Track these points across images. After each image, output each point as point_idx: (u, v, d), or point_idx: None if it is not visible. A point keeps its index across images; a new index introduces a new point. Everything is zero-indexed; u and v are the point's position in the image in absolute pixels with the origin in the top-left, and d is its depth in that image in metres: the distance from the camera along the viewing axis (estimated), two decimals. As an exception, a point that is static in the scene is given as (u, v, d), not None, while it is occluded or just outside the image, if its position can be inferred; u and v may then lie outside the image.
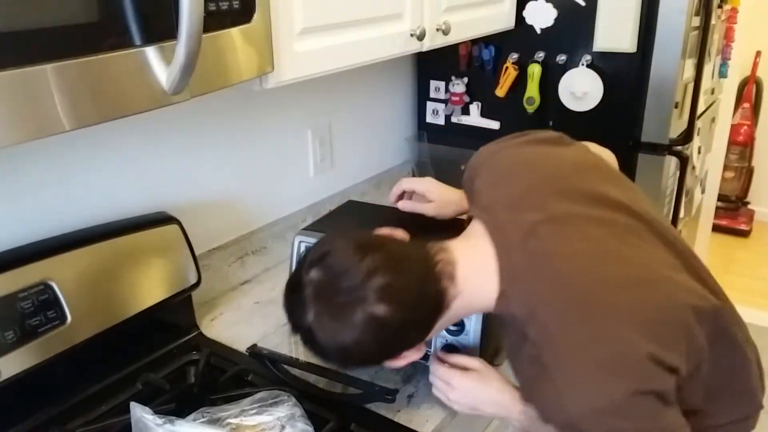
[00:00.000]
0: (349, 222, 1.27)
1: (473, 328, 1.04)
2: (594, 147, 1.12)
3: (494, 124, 1.80)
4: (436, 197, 1.19)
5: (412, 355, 0.88)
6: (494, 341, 1.14)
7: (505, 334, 0.90)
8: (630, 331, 0.77)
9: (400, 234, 0.93)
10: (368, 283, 0.78)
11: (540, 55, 1.64)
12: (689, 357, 0.81)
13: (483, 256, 0.85)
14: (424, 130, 1.93)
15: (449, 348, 1.06)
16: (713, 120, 2.32)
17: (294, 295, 0.83)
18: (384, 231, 0.93)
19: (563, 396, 0.76)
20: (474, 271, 0.85)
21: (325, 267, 0.81)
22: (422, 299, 0.82)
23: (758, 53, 3.62)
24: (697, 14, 1.57)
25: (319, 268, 0.81)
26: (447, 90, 1.85)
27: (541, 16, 1.63)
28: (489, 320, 1.04)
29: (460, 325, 1.05)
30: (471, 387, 0.97)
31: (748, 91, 3.66)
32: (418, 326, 0.84)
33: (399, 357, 0.87)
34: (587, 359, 0.76)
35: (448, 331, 1.06)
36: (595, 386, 0.75)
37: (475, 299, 0.86)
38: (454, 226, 1.19)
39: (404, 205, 1.22)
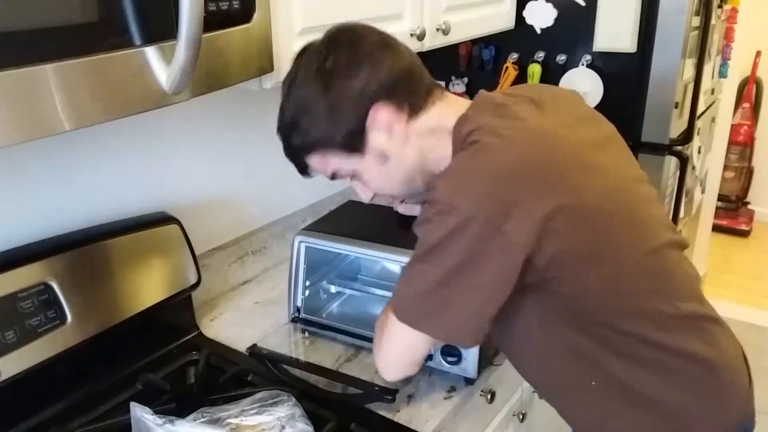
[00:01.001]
0: (350, 222, 1.27)
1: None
2: None
3: (494, 124, 1.80)
4: None
5: (343, 165, 0.88)
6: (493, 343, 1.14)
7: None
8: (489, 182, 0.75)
9: None
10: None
11: (540, 55, 1.64)
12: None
13: (460, 106, 0.88)
14: (424, 130, 1.93)
15: (449, 348, 1.06)
16: (713, 120, 2.33)
17: (299, 53, 0.88)
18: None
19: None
20: (451, 105, 0.89)
21: (332, 40, 0.86)
22: (412, 68, 0.87)
23: (758, 53, 3.62)
24: (697, 14, 1.58)
25: (329, 41, 0.86)
26: (447, 90, 1.84)
27: (541, 16, 1.63)
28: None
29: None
30: None
31: (748, 91, 3.66)
32: (390, 90, 0.83)
33: (325, 159, 0.88)
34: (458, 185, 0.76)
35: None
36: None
37: (436, 136, 0.86)
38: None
39: (405, 209, 1.23)
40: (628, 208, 0.82)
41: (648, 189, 0.90)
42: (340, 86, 0.82)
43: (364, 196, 0.93)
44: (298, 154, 0.91)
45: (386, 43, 0.86)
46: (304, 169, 0.93)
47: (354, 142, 0.84)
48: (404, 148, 0.86)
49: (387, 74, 0.83)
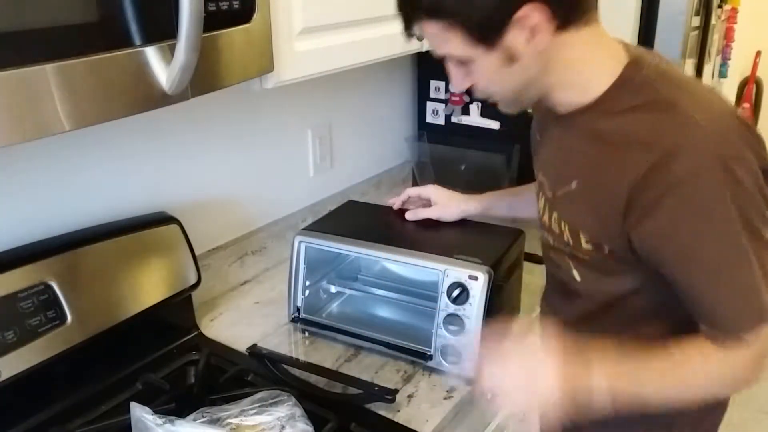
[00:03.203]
0: (350, 222, 1.27)
1: (473, 330, 1.04)
2: None
3: (494, 124, 1.80)
4: (441, 199, 1.21)
5: (459, 50, 0.78)
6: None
7: (573, 140, 0.86)
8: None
9: None
10: None
11: (540, 55, 1.64)
12: None
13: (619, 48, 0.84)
14: (424, 130, 1.93)
15: (449, 348, 1.06)
16: (713, 120, 2.32)
17: None
18: None
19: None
20: (608, 40, 0.84)
21: None
22: None
23: (758, 53, 3.62)
24: (697, 14, 1.58)
25: None
26: (447, 90, 1.85)
27: (541, 16, 1.62)
28: (488, 322, 1.04)
29: (460, 325, 1.05)
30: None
31: (748, 91, 3.66)
32: None
33: (449, 35, 0.77)
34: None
35: (448, 331, 1.06)
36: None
37: (589, 59, 0.82)
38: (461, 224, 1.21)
39: (410, 215, 1.24)
40: None
41: None
42: None
43: (458, 86, 0.84)
44: (418, 10, 0.78)
45: None
46: (410, 28, 0.80)
47: (491, 30, 0.74)
48: (537, 57, 0.77)
49: None
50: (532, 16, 0.73)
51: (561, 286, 0.96)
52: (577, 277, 0.90)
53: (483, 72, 0.80)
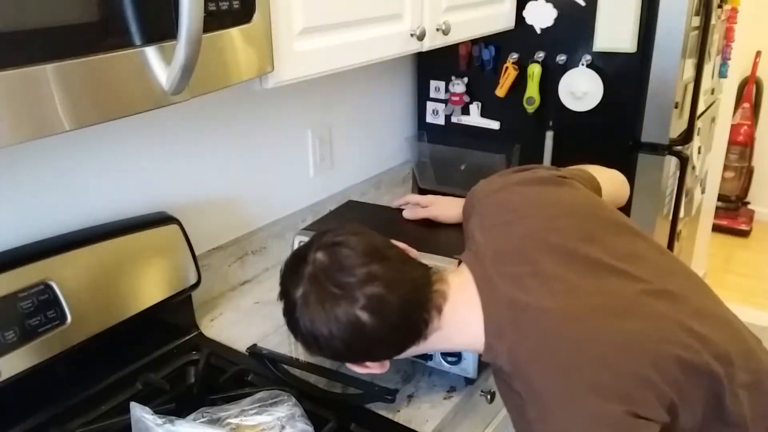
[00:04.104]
0: (349, 222, 1.27)
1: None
2: (599, 172, 1.10)
3: (494, 124, 1.80)
4: (441, 200, 1.24)
5: (375, 368, 0.91)
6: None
7: (496, 381, 0.90)
8: (597, 396, 0.74)
9: (413, 253, 0.95)
10: (364, 287, 0.81)
11: (540, 55, 1.64)
12: (667, 409, 0.76)
13: (470, 302, 0.86)
14: (424, 130, 1.93)
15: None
16: (713, 120, 2.32)
17: (294, 265, 0.87)
18: (400, 245, 0.94)
19: None
20: (461, 312, 0.86)
21: (332, 254, 0.84)
22: (405, 322, 0.83)
23: (758, 53, 3.62)
24: (697, 14, 1.57)
25: (326, 253, 0.84)
26: (447, 90, 1.85)
27: (541, 16, 1.63)
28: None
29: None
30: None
31: (748, 91, 3.66)
32: (391, 345, 0.86)
33: (362, 365, 0.90)
34: (576, 413, 0.74)
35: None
36: None
37: (454, 339, 0.88)
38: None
39: (408, 214, 1.25)
40: None
41: None
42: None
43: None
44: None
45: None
46: None
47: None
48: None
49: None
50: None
51: None
52: None
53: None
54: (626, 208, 1.45)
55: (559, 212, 0.93)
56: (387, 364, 0.92)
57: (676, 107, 1.59)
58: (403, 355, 0.90)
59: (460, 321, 0.86)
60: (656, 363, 0.76)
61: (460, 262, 0.94)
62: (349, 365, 0.92)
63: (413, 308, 0.84)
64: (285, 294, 0.87)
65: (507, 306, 0.83)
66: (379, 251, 0.85)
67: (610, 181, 1.12)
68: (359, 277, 0.81)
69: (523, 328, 0.81)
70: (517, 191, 0.98)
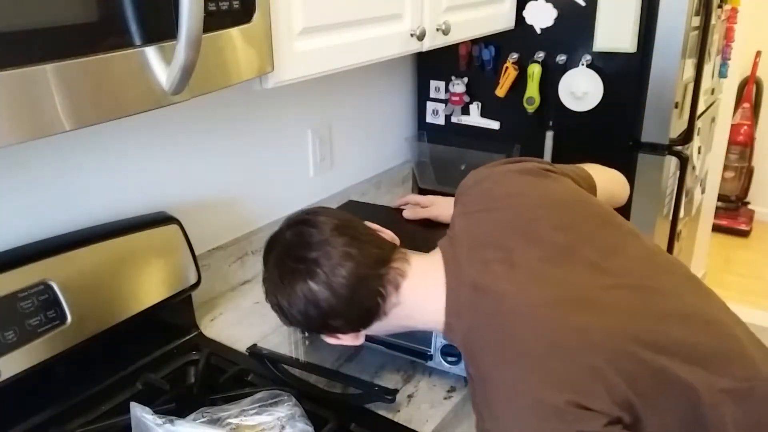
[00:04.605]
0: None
1: None
2: (598, 172, 1.10)
3: (494, 124, 1.81)
4: (441, 201, 1.25)
5: (347, 339, 0.94)
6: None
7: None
8: (542, 382, 0.75)
9: (389, 235, 0.98)
10: (321, 262, 0.85)
11: (540, 55, 1.64)
12: (619, 405, 0.75)
13: (433, 281, 0.88)
14: (424, 130, 1.93)
15: (449, 348, 1.06)
16: (713, 120, 2.32)
17: (268, 246, 0.93)
18: (373, 226, 0.97)
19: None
20: (421, 291, 0.89)
21: (298, 233, 0.89)
22: (356, 295, 0.86)
23: (758, 53, 3.62)
24: (697, 14, 1.57)
25: (294, 232, 0.90)
26: (447, 90, 1.85)
27: (541, 16, 1.63)
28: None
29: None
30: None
31: (748, 91, 3.66)
32: (350, 318, 0.89)
33: (333, 336, 0.93)
34: (517, 402, 0.76)
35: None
36: (527, 427, 0.75)
37: (415, 315, 0.90)
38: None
39: (408, 214, 1.25)
40: None
41: None
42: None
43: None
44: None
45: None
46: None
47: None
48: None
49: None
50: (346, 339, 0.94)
51: None
52: None
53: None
54: (626, 208, 1.45)
55: (541, 203, 0.94)
56: (361, 337, 0.94)
57: (676, 107, 1.59)
58: (370, 330, 0.93)
59: (420, 298, 0.89)
60: (611, 358, 0.76)
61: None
62: (323, 336, 0.95)
63: (364, 285, 0.87)
64: (263, 273, 0.93)
65: (470, 288, 0.85)
66: (344, 228, 0.89)
67: (610, 181, 1.12)
68: (316, 251, 0.86)
69: (481, 312, 0.83)
70: (501, 181, 0.99)
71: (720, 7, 1.89)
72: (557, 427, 0.73)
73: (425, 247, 1.10)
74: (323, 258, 0.86)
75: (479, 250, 0.88)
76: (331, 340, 0.94)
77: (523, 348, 0.78)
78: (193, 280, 1.20)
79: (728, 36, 2.11)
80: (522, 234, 0.89)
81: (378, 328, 0.92)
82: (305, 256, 0.86)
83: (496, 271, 0.85)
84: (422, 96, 1.91)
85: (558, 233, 0.88)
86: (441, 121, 1.90)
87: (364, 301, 0.87)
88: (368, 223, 0.96)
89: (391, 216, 1.29)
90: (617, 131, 1.61)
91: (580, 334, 0.78)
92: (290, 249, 0.89)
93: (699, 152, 2.04)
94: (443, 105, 1.88)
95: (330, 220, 0.90)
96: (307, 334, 1.18)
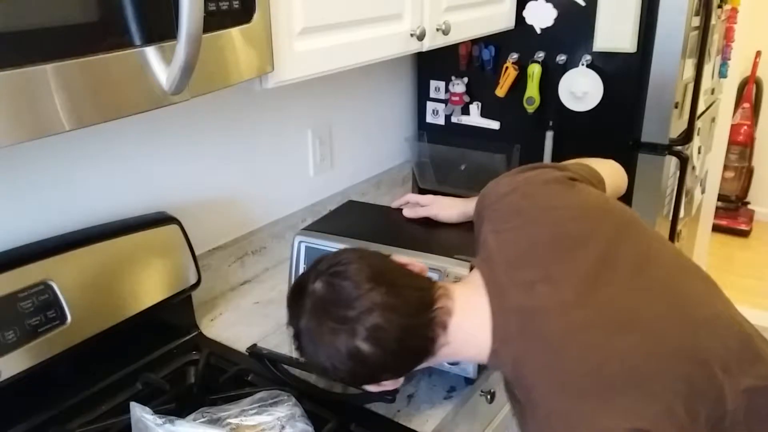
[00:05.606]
0: (349, 222, 1.27)
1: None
2: (599, 165, 1.10)
3: (494, 124, 1.80)
4: (440, 200, 1.24)
5: (388, 385, 0.90)
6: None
7: (504, 385, 0.89)
8: (602, 410, 0.73)
9: (418, 267, 0.92)
10: (363, 319, 0.80)
11: (540, 55, 1.64)
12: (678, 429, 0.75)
13: (478, 311, 0.85)
14: (424, 130, 1.93)
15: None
16: (713, 120, 2.33)
17: (296, 295, 0.86)
18: (403, 260, 0.92)
19: None
20: (468, 324, 0.85)
21: (330, 285, 0.83)
22: (406, 347, 0.83)
23: (758, 53, 3.62)
24: (697, 14, 1.57)
25: (325, 284, 0.83)
26: (447, 90, 1.85)
27: (541, 16, 1.63)
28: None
29: None
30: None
31: (748, 91, 3.67)
32: (397, 368, 0.86)
33: (375, 385, 0.90)
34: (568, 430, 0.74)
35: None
36: None
37: (463, 350, 0.87)
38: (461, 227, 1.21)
39: (408, 213, 1.25)
40: None
41: None
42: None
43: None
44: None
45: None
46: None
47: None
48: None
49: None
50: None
51: None
52: None
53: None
54: (626, 208, 1.45)
55: (572, 215, 0.92)
56: (401, 379, 0.91)
57: (676, 107, 1.59)
58: (413, 372, 0.90)
59: (468, 332, 0.85)
60: (666, 381, 0.75)
61: (472, 268, 0.93)
62: (365, 387, 0.92)
63: (413, 334, 0.83)
64: (291, 323, 0.87)
65: (516, 312, 0.82)
66: (379, 277, 0.84)
67: (612, 175, 1.12)
68: (358, 309, 0.81)
69: (530, 336, 0.80)
70: (528, 193, 0.97)
71: (720, 7, 1.89)
72: None
73: (425, 248, 1.10)
74: (365, 315, 0.80)
75: (518, 271, 0.86)
76: (373, 388, 0.91)
77: (574, 376, 0.76)
78: (193, 280, 1.20)
79: (728, 36, 2.11)
80: (557, 250, 0.87)
81: (419, 368, 0.89)
82: (345, 315, 0.81)
83: (539, 292, 0.82)
84: (422, 96, 1.91)
85: (591, 247, 0.87)
86: (441, 121, 1.90)
87: (414, 350, 0.84)
88: (396, 257, 0.92)
89: (391, 216, 1.29)
90: (617, 131, 1.61)
91: (631, 358, 0.77)
92: (326, 306, 0.82)
93: (699, 152, 2.04)
94: (443, 105, 1.88)
95: (362, 268, 0.84)
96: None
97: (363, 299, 0.81)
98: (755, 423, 0.80)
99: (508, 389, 0.86)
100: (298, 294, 0.86)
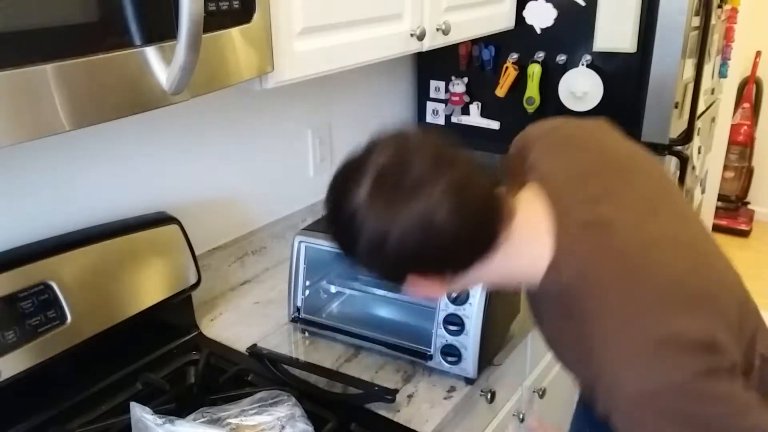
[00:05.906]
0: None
1: (473, 330, 1.04)
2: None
3: (494, 124, 1.81)
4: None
5: (430, 288, 0.81)
6: (493, 343, 1.14)
7: (547, 316, 0.85)
8: (681, 314, 0.72)
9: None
10: (437, 182, 0.73)
11: (540, 55, 1.64)
12: (740, 349, 0.76)
13: (540, 217, 0.80)
14: (424, 130, 1.93)
15: (449, 348, 1.06)
16: (713, 120, 2.33)
17: (349, 172, 0.78)
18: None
19: (618, 375, 0.71)
20: (529, 227, 0.80)
21: (398, 155, 0.76)
22: (479, 229, 0.76)
23: (758, 53, 3.62)
24: (697, 14, 1.57)
25: (391, 155, 0.76)
26: (447, 90, 1.85)
27: (541, 16, 1.63)
28: (488, 321, 1.04)
29: (460, 325, 1.05)
30: None
31: (748, 91, 3.66)
32: (463, 253, 0.77)
33: (419, 281, 0.80)
34: (645, 335, 0.71)
35: (448, 331, 1.06)
36: (654, 364, 0.69)
37: (516, 257, 0.81)
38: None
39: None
40: None
41: None
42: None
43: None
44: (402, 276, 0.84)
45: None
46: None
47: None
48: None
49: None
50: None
51: None
52: None
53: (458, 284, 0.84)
54: (626, 208, 1.45)
55: (623, 148, 0.92)
56: (446, 287, 0.83)
57: (676, 107, 1.59)
58: (462, 278, 0.81)
59: (527, 235, 0.80)
60: (727, 299, 0.77)
61: (521, 186, 0.88)
62: (409, 283, 0.81)
63: (489, 210, 0.77)
64: (338, 206, 0.77)
65: (583, 226, 0.79)
66: (448, 155, 0.77)
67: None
68: (430, 175, 0.73)
69: (597, 241, 0.77)
70: (582, 126, 0.96)
71: (720, 7, 1.89)
72: (693, 363, 0.69)
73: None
74: (439, 182, 0.72)
75: (580, 187, 0.82)
76: (414, 287, 0.81)
77: (658, 277, 0.74)
78: (193, 280, 1.20)
79: (728, 36, 2.11)
80: (615, 173, 0.85)
81: (473, 275, 0.81)
82: (420, 182, 0.72)
83: (605, 208, 0.80)
84: (422, 96, 1.91)
85: (645, 177, 0.87)
86: (441, 121, 1.90)
87: (483, 232, 0.77)
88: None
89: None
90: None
91: (702, 277, 0.77)
92: (393, 172, 0.75)
93: (699, 152, 2.04)
94: (443, 105, 1.88)
95: (427, 145, 0.77)
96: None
97: (434, 169, 0.74)
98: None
99: (554, 308, 0.83)
100: (352, 169, 0.78)
